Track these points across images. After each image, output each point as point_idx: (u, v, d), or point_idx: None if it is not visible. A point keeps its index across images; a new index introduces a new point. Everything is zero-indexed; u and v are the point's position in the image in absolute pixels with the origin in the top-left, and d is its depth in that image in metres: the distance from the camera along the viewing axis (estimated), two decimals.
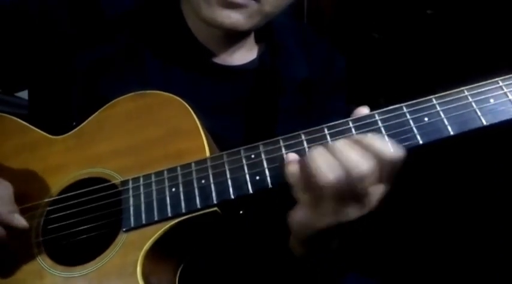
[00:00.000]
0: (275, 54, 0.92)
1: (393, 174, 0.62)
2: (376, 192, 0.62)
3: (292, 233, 0.71)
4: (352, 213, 0.63)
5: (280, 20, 0.92)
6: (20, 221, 0.71)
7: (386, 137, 0.64)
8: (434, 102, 0.64)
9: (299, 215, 0.67)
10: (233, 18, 0.78)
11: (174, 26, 0.88)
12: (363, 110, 0.67)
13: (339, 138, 0.64)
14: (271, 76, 0.91)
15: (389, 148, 0.61)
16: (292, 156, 0.65)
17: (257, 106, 0.90)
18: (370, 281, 1.12)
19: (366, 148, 0.60)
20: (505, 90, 0.63)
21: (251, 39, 0.93)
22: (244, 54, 0.92)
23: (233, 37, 0.88)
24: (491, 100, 0.63)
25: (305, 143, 0.66)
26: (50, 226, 0.76)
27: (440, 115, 0.63)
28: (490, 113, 0.62)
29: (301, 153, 0.66)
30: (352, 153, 0.60)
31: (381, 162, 0.60)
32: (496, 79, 0.64)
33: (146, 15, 0.88)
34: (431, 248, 1.78)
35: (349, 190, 0.61)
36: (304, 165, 0.63)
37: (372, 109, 0.67)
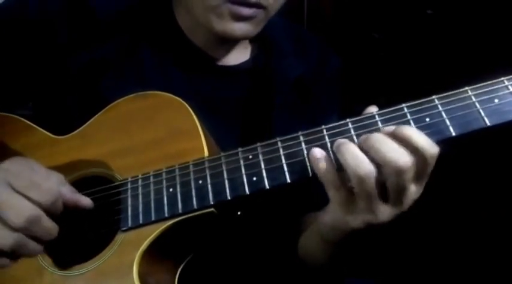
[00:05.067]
0: (269, 53, 0.93)
1: (428, 175, 0.61)
2: (410, 194, 0.61)
3: (320, 234, 0.70)
4: (386, 213, 0.61)
5: (273, 19, 0.92)
6: (87, 200, 0.72)
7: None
8: (437, 102, 0.62)
9: (331, 216, 0.65)
10: (244, 29, 0.80)
11: (167, 28, 0.88)
12: (372, 110, 0.65)
13: (338, 139, 0.63)
14: (265, 76, 0.91)
15: (428, 142, 0.59)
16: (320, 153, 0.63)
17: (252, 106, 0.90)
18: (369, 282, 1.12)
19: (403, 141, 0.59)
20: (511, 89, 0.61)
21: (245, 40, 0.93)
22: (239, 54, 0.92)
23: (229, 40, 0.88)
24: (496, 100, 0.60)
25: (303, 144, 0.66)
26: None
27: (442, 116, 0.62)
28: (494, 114, 0.60)
29: (299, 154, 0.66)
30: (389, 146, 0.58)
31: (419, 157, 0.59)
32: (502, 78, 0.62)
33: (140, 16, 0.88)
34: (431, 248, 1.78)
35: (377, 186, 0.59)
36: (331, 161, 0.62)
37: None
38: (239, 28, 0.79)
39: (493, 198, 1.78)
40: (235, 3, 0.77)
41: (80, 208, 0.71)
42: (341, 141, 0.62)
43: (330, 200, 0.65)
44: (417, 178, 0.60)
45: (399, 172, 0.58)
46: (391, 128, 0.61)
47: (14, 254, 0.65)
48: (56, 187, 0.68)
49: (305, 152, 0.65)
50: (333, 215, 0.65)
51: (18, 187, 0.65)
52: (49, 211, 0.67)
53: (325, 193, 0.65)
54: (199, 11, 0.80)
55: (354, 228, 0.64)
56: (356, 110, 0.67)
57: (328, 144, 0.65)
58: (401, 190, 0.60)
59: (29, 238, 0.65)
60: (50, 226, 0.67)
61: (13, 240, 0.64)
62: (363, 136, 0.61)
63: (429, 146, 0.59)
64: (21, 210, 0.64)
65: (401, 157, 0.58)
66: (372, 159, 0.59)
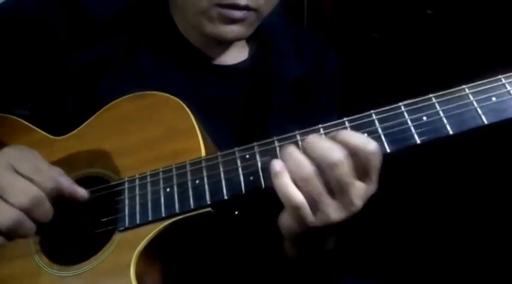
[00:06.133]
0: (267, 53, 0.93)
1: (373, 171, 0.61)
2: (357, 190, 0.61)
3: (283, 235, 0.71)
4: (334, 213, 0.62)
5: (271, 19, 0.92)
6: (83, 191, 0.72)
7: (382, 137, 0.63)
8: (434, 100, 0.62)
9: (286, 218, 0.66)
10: (236, 32, 0.80)
11: (165, 28, 0.88)
12: None
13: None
14: (263, 76, 0.91)
15: (362, 139, 0.60)
16: (279, 166, 0.63)
17: (250, 106, 0.90)
18: (368, 283, 1.12)
19: (335, 139, 0.60)
20: (508, 88, 0.61)
21: (239, 41, 0.93)
22: (237, 54, 0.92)
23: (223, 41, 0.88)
24: (493, 99, 0.60)
25: (300, 143, 0.66)
26: (48, 225, 0.76)
27: (439, 114, 0.62)
28: (491, 112, 0.60)
29: None
30: (320, 144, 0.60)
31: (353, 153, 0.60)
32: (499, 76, 0.62)
33: (139, 16, 0.88)
34: (430, 249, 1.78)
35: (322, 185, 0.60)
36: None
37: (371, 109, 0.66)
38: (231, 31, 0.79)
39: (492, 197, 1.78)
40: (225, 6, 0.77)
41: (76, 200, 0.71)
42: (285, 147, 0.63)
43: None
44: (360, 173, 0.61)
45: (332, 166, 0.59)
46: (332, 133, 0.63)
47: (11, 233, 0.65)
48: (56, 175, 0.69)
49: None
50: (287, 218, 0.65)
51: (21, 170, 0.66)
52: (48, 196, 0.67)
53: None
54: (190, 14, 0.81)
55: (306, 231, 0.64)
56: (360, 108, 0.67)
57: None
58: (343, 185, 0.60)
59: (28, 218, 0.66)
60: (49, 209, 0.68)
61: (16, 218, 0.64)
62: (304, 137, 0.63)
63: (364, 143, 0.60)
64: (25, 191, 0.65)
65: (332, 152, 0.59)
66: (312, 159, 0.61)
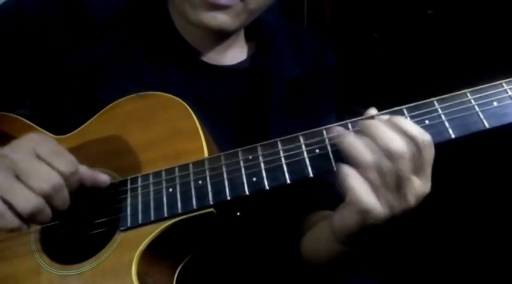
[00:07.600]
0: (265, 53, 0.92)
1: (427, 166, 0.61)
2: (412, 185, 0.61)
3: (332, 234, 0.71)
4: (391, 206, 0.61)
5: (270, 19, 0.92)
6: (104, 176, 0.72)
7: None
8: (436, 105, 0.63)
9: (348, 216, 0.66)
10: (219, 19, 0.78)
11: (162, 27, 0.88)
12: (372, 112, 0.66)
13: (338, 141, 0.64)
14: (262, 76, 0.91)
15: (420, 131, 0.60)
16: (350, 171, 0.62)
17: (249, 106, 0.90)
18: (371, 283, 1.12)
19: (400, 130, 0.60)
20: (510, 93, 0.62)
21: (241, 39, 0.93)
22: (235, 54, 0.92)
23: (221, 36, 0.88)
24: (495, 103, 0.61)
25: (303, 146, 0.66)
26: (49, 224, 0.76)
27: (441, 118, 0.62)
28: (493, 116, 0.61)
29: (299, 154, 0.66)
30: (387, 133, 0.59)
31: (415, 145, 0.59)
32: (500, 82, 0.63)
33: (137, 16, 0.88)
34: (434, 250, 1.78)
35: (386, 173, 0.60)
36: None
37: None
38: (213, 18, 0.77)
39: (493, 199, 1.78)
40: None
41: (98, 186, 0.71)
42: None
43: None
44: (416, 169, 0.60)
45: (396, 157, 0.58)
46: (385, 116, 0.62)
47: (30, 218, 0.65)
48: (76, 162, 0.69)
49: (305, 153, 0.65)
50: (349, 215, 0.65)
51: (43, 154, 0.65)
52: (67, 182, 0.67)
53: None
54: (177, 1, 0.81)
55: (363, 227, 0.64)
56: (355, 110, 0.67)
57: (328, 146, 0.65)
58: (402, 179, 0.60)
59: (47, 205, 0.65)
60: (67, 197, 0.67)
61: (36, 204, 0.64)
62: (360, 124, 0.62)
63: (421, 134, 0.59)
64: (47, 177, 0.64)
65: (399, 141, 0.59)
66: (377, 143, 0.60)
